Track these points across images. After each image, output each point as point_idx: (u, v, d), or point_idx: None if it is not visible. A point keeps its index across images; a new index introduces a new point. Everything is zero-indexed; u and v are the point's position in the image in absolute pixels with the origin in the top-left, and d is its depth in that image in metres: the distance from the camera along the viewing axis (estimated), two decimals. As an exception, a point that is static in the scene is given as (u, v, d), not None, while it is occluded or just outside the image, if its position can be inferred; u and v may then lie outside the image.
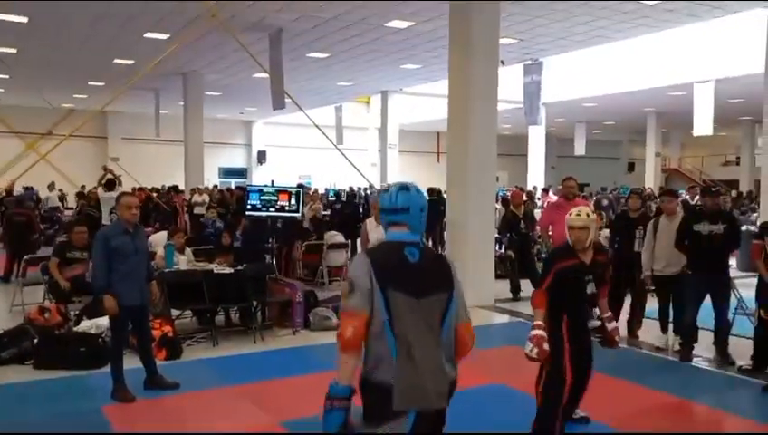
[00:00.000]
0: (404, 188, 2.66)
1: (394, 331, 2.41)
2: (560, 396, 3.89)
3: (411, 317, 2.44)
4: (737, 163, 31.49)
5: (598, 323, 4.09)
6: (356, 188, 21.43)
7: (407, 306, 2.44)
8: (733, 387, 5.60)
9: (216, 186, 18.30)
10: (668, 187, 25.47)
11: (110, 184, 13.37)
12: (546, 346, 3.69)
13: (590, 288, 3.95)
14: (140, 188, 16.95)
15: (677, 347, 6.49)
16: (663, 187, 25.10)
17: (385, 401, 2.39)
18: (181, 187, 18.33)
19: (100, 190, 13.81)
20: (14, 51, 14.81)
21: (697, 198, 14.85)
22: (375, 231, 7.40)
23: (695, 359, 6.30)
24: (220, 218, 12.00)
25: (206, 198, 15.87)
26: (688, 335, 6.31)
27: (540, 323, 3.77)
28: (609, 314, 4.16)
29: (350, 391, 2.39)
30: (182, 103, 18.88)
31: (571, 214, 4.04)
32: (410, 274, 2.49)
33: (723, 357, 6.20)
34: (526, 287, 9.28)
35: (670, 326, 6.76)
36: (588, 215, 4.01)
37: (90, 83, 19.21)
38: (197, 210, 14.89)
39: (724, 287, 6.06)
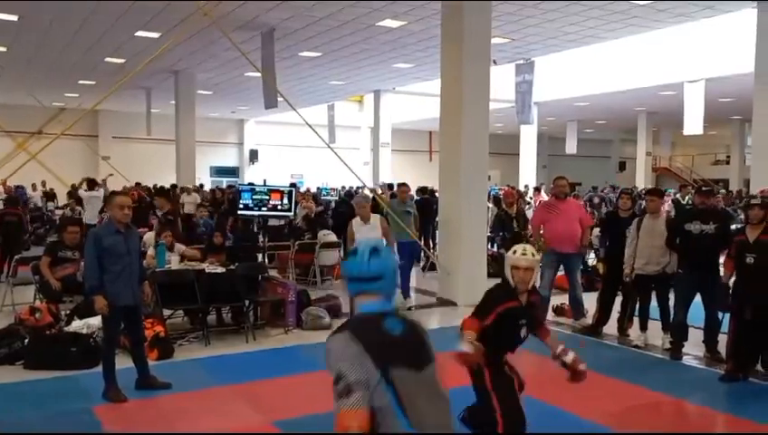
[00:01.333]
0: (375, 251, 2.30)
1: (411, 421, 2.11)
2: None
3: (422, 397, 2.17)
4: (727, 162, 31.70)
5: None
6: (349, 187, 21.34)
7: (414, 385, 2.15)
8: (723, 384, 5.63)
9: (201, 185, 18.06)
10: (659, 186, 25.64)
11: (92, 183, 13.41)
12: (480, 346, 3.44)
13: (524, 332, 3.74)
14: (137, 184, 16.91)
15: (668, 345, 6.54)
16: (654, 186, 25.23)
17: None
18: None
19: (81, 191, 13.85)
20: (3, 49, 14.73)
21: (688, 197, 14.98)
22: (360, 230, 7.40)
23: (685, 357, 6.35)
24: (210, 218, 11.99)
25: (195, 197, 15.83)
26: (679, 333, 6.36)
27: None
28: (562, 347, 3.76)
29: None
30: (173, 102, 18.82)
31: (515, 252, 3.75)
32: (402, 347, 2.19)
33: (712, 355, 6.26)
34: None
35: (650, 323, 6.79)
36: (533, 255, 3.74)
37: (80, 82, 19.11)
38: (188, 209, 14.85)
39: (714, 286, 6.09)
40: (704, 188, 6.95)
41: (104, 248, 4.93)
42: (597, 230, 9.30)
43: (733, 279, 5.80)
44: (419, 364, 2.21)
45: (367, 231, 7.42)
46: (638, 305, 6.89)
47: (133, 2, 10.80)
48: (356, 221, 7.54)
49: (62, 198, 20.70)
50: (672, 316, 6.43)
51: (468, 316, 3.63)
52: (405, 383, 2.12)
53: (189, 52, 14.82)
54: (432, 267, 10.55)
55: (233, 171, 31.40)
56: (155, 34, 13.05)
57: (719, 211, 6.40)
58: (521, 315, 3.71)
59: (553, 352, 3.73)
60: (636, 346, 6.76)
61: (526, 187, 21.18)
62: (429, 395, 2.21)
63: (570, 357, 3.68)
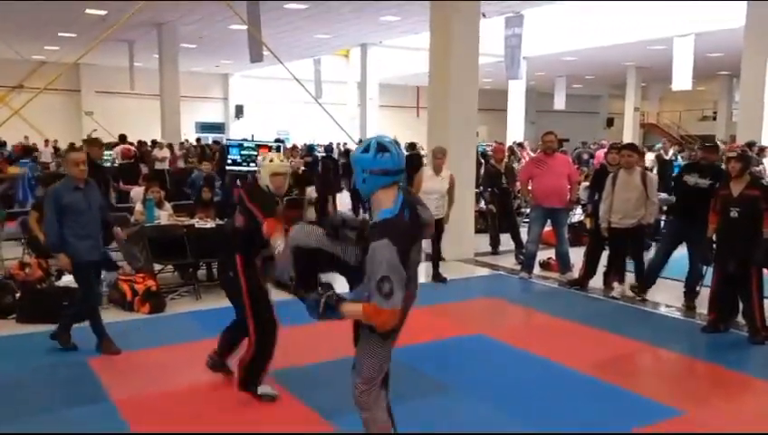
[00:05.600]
0: (396, 143, 2.70)
1: (408, 282, 2.67)
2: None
3: (415, 263, 2.80)
4: (714, 118, 31.75)
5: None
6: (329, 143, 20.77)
7: (414, 257, 2.74)
8: (704, 335, 5.78)
9: (153, 141, 17.57)
10: (646, 142, 25.74)
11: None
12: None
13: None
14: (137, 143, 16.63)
15: (629, 292, 6.79)
16: (641, 142, 25.33)
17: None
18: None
19: None
20: (-21, -1, 14.29)
21: (671, 151, 15.09)
22: (431, 180, 7.48)
23: (667, 308, 6.51)
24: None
25: (166, 152, 15.66)
26: (648, 275, 6.60)
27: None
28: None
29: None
30: (157, 56, 18.45)
31: (272, 160, 4.16)
32: (412, 228, 2.71)
33: (688, 304, 6.48)
34: (506, 242, 9.42)
35: (627, 276, 6.99)
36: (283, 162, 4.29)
37: (60, 34, 18.63)
38: (158, 166, 14.69)
39: (700, 239, 6.19)
40: (707, 144, 7.06)
41: (64, 206, 4.87)
42: (584, 185, 9.37)
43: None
44: (421, 237, 2.83)
45: (436, 182, 7.53)
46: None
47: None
48: (427, 170, 7.59)
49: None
50: (651, 259, 6.60)
51: (266, 222, 3.94)
52: (411, 264, 2.70)
53: (172, 3, 14.45)
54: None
55: (218, 127, 31.04)
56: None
57: (719, 169, 6.51)
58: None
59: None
60: (613, 297, 6.93)
61: (519, 144, 21.00)
62: (416, 262, 2.82)
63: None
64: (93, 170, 8.19)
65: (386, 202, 2.67)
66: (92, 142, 8.38)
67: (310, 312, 2.74)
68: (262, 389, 4.24)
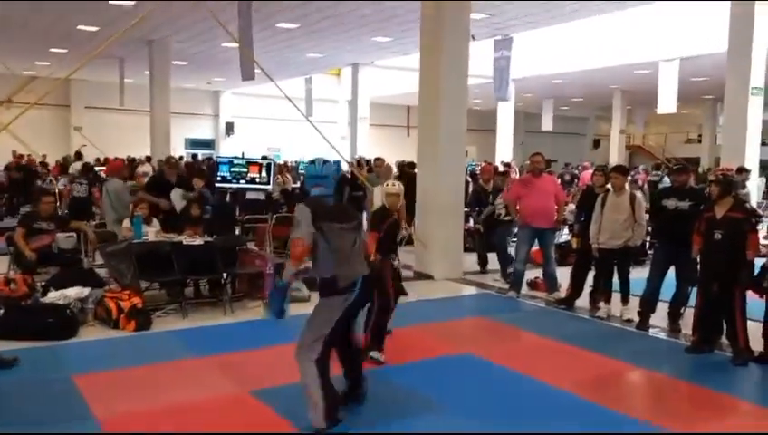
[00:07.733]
0: (325, 161, 4.26)
1: (331, 248, 3.93)
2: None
3: (341, 237, 4.00)
4: (699, 141, 32.19)
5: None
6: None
7: (337, 230, 3.99)
8: (688, 356, 5.82)
9: (148, 157, 17.55)
10: (632, 163, 26.02)
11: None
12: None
13: (399, 237, 6.00)
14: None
15: (626, 317, 6.80)
16: (627, 163, 25.55)
17: (333, 285, 3.97)
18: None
19: None
20: (-30, 14, 14.28)
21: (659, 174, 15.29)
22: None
23: (652, 329, 6.55)
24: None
25: (147, 168, 15.55)
26: (647, 305, 6.57)
27: None
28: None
29: (288, 285, 4.14)
30: (148, 72, 18.48)
31: (387, 185, 5.75)
32: (332, 211, 4.07)
33: (672, 326, 6.52)
34: (494, 260, 9.45)
35: (614, 296, 7.01)
36: (395, 186, 5.76)
37: (52, 50, 18.64)
38: (142, 181, 14.55)
39: (687, 261, 6.25)
40: (675, 167, 7.18)
41: None
42: (571, 206, 9.45)
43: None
44: (340, 220, 4.04)
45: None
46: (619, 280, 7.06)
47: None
48: (377, 191, 7.83)
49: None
50: (645, 288, 6.62)
51: (368, 233, 5.28)
52: (331, 230, 3.95)
53: (164, 20, 14.52)
54: (409, 241, 10.61)
55: (208, 144, 31.04)
56: (129, 3, 12.76)
57: (696, 190, 6.59)
58: (397, 226, 5.77)
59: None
60: (598, 317, 6.97)
61: (505, 164, 21.13)
62: (345, 238, 4.03)
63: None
64: (167, 189, 8.17)
65: (314, 191, 4.17)
66: (167, 162, 8.32)
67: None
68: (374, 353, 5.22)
